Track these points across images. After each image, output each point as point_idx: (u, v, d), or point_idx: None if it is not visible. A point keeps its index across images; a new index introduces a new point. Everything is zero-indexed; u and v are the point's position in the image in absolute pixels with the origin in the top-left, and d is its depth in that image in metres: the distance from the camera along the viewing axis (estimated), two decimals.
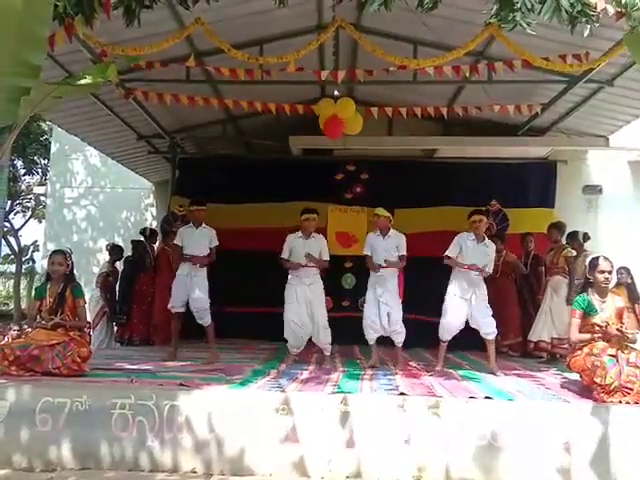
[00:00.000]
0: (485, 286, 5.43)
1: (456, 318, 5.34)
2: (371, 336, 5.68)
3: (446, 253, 5.42)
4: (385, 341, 5.84)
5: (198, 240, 5.76)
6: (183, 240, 5.80)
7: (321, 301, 5.70)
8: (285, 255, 5.66)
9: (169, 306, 5.84)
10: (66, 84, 4.14)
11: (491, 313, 5.40)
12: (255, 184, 8.26)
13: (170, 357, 5.71)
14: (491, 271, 5.45)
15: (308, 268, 5.61)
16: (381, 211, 5.68)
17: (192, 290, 5.68)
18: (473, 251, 5.37)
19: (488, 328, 5.35)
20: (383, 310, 5.57)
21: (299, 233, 5.71)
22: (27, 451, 3.79)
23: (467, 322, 5.41)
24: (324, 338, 5.66)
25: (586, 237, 6.43)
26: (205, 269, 5.80)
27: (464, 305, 5.32)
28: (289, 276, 5.70)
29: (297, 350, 5.72)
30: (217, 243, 5.83)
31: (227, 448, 3.75)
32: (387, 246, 5.61)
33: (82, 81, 4.09)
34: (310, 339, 5.70)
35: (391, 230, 5.70)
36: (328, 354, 5.76)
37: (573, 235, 6.47)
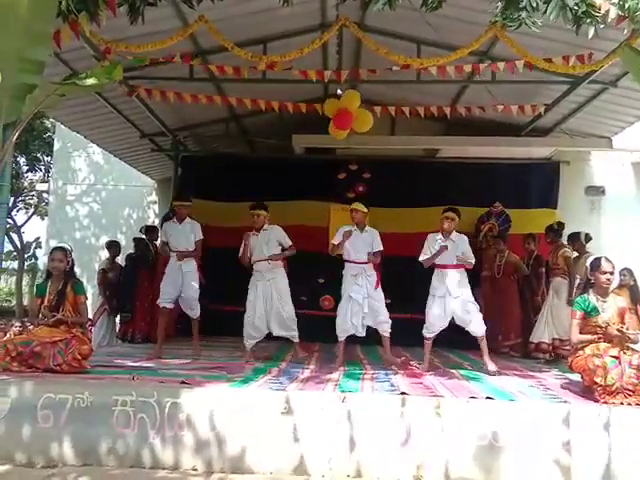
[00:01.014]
0: (467, 283, 5.41)
1: (437, 318, 5.34)
2: (342, 334, 5.61)
3: (419, 259, 5.44)
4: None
5: (182, 235, 5.82)
6: (167, 235, 5.88)
7: (285, 293, 5.72)
8: (247, 256, 5.72)
9: (157, 301, 5.87)
10: (73, 84, 4.15)
11: (477, 309, 5.37)
12: (257, 183, 8.25)
13: (155, 355, 5.67)
14: (472, 261, 5.41)
15: (265, 263, 5.64)
16: (360, 206, 5.67)
17: (184, 284, 5.76)
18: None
19: (474, 325, 5.32)
20: (360, 307, 5.49)
21: (253, 230, 5.75)
22: (28, 447, 3.80)
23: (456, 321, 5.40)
24: (286, 328, 5.67)
25: (588, 238, 6.42)
26: (194, 262, 5.85)
27: (445, 304, 5.32)
28: (253, 270, 5.75)
29: (252, 343, 5.72)
30: (201, 236, 5.87)
31: (228, 446, 3.76)
32: (366, 241, 5.60)
33: (89, 82, 4.11)
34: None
35: (367, 226, 5.69)
36: (297, 341, 5.78)
37: (575, 236, 6.47)
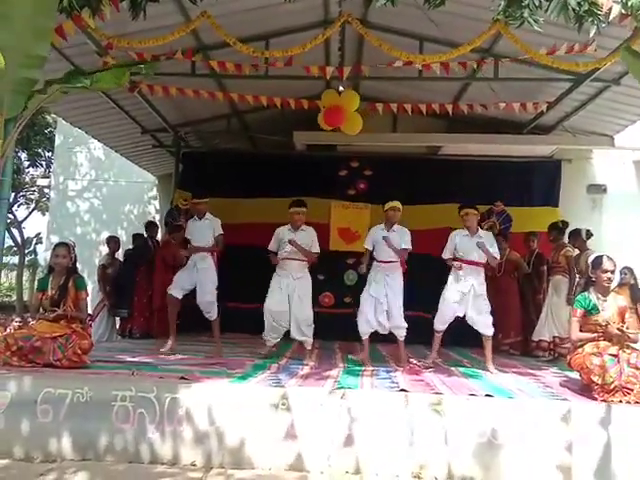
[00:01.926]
0: (484, 283, 5.43)
1: (450, 307, 5.35)
2: (364, 330, 5.57)
3: (442, 255, 5.46)
4: (386, 337, 5.81)
5: (201, 231, 5.81)
6: (189, 233, 5.91)
7: (307, 296, 5.64)
8: (273, 248, 5.66)
9: (167, 289, 5.83)
10: (83, 88, 4.16)
11: (489, 310, 5.39)
12: (258, 179, 8.26)
13: (170, 349, 5.68)
14: (498, 257, 5.41)
15: (296, 261, 5.59)
16: (398, 204, 5.61)
17: (198, 283, 5.70)
18: (468, 246, 5.37)
19: (485, 326, 5.34)
20: (381, 306, 5.47)
21: (288, 226, 5.69)
22: (27, 442, 3.81)
23: (467, 319, 5.41)
24: (303, 334, 5.61)
25: (589, 234, 6.41)
26: (210, 260, 5.80)
27: (460, 297, 5.33)
28: (277, 268, 5.68)
29: (273, 341, 5.68)
30: (221, 232, 5.83)
31: (227, 442, 3.76)
32: (394, 240, 5.53)
33: (97, 86, 4.12)
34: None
35: (395, 225, 5.64)
36: (309, 348, 5.73)
37: (576, 233, 6.45)
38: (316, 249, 5.69)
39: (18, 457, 3.77)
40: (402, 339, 5.58)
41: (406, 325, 5.54)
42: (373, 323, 5.52)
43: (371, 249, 5.64)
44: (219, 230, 5.82)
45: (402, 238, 5.54)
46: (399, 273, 5.60)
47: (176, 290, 5.78)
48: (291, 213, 5.68)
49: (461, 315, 5.40)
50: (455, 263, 5.41)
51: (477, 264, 5.36)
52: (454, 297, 5.35)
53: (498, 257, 5.44)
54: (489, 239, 5.43)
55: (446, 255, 5.49)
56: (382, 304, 5.47)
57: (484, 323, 5.34)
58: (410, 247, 5.56)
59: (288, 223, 5.73)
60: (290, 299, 5.57)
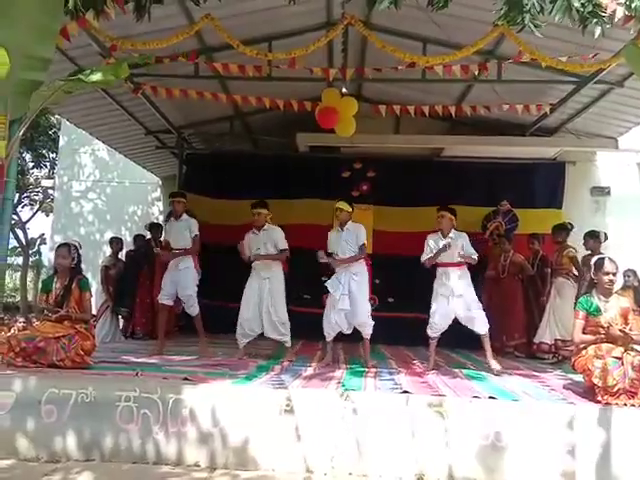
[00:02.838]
0: (470, 282, 5.41)
1: (442, 317, 5.34)
2: (328, 332, 5.55)
3: (421, 259, 5.44)
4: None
5: (178, 231, 5.82)
6: (167, 234, 5.92)
7: (279, 295, 5.68)
8: (246, 253, 5.70)
9: (157, 298, 5.88)
10: (78, 80, 4.16)
11: (480, 307, 5.37)
12: (261, 181, 8.26)
13: (157, 352, 5.69)
14: (475, 257, 5.37)
15: (265, 262, 5.64)
16: (344, 205, 5.56)
17: (179, 280, 5.76)
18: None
19: (477, 323, 5.32)
20: (346, 303, 5.43)
21: (253, 229, 5.74)
22: (32, 442, 3.82)
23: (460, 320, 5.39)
24: (280, 333, 5.64)
25: (606, 237, 6.37)
26: (190, 259, 5.82)
27: (449, 303, 5.32)
28: (252, 269, 5.73)
29: (244, 342, 5.71)
30: (197, 233, 5.82)
31: (231, 442, 3.77)
32: (346, 239, 5.52)
33: (94, 78, 4.12)
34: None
35: (348, 223, 5.59)
36: (289, 345, 5.75)
37: (594, 234, 6.33)
38: (282, 246, 5.69)
39: (23, 457, 3.78)
40: (368, 337, 5.55)
41: (372, 323, 5.51)
42: (334, 324, 5.48)
43: (330, 251, 5.60)
44: (195, 231, 5.82)
45: (358, 235, 5.52)
46: (363, 269, 5.57)
47: (165, 297, 5.83)
48: (252, 214, 5.73)
49: (452, 317, 5.37)
50: (426, 263, 5.41)
51: (452, 265, 5.34)
52: (444, 307, 5.33)
53: (475, 256, 5.37)
54: (461, 239, 5.40)
55: (423, 258, 5.44)
56: (351, 299, 5.41)
57: (476, 320, 5.31)
58: (365, 241, 5.53)
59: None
60: (262, 301, 5.63)
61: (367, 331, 5.55)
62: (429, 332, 5.43)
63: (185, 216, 5.88)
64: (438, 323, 5.36)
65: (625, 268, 6.07)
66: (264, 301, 5.63)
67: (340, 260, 5.45)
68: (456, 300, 5.30)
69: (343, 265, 5.51)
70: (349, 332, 5.61)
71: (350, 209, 5.59)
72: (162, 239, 6.08)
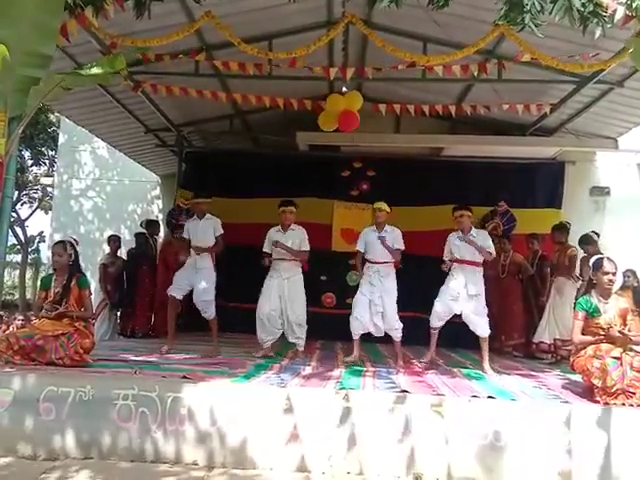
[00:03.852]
0: (481, 284, 5.44)
1: (445, 304, 5.38)
2: (356, 331, 5.56)
3: (443, 258, 5.50)
4: (384, 337, 5.78)
5: (202, 231, 5.80)
6: (189, 233, 5.87)
7: (299, 296, 5.67)
8: (267, 249, 5.68)
9: (167, 290, 5.84)
10: (75, 74, 4.16)
11: (486, 312, 5.41)
12: (261, 179, 8.26)
13: (168, 347, 5.69)
14: (492, 252, 5.44)
15: (286, 261, 5.62)
16: (384, 205, 5.63)
17: (197, 282, 5.69)
18: (463, 247, 5.41)
19: (481, 327, 5.37)
20: (376, 307, 5.47)
21: (278, 227, 5.72)
22: (31, 440, 3.82)
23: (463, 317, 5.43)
24: (295, 334, 5.64)
25: (598, 235, 6.37)
26: (210, 260, 5.81)
27: (455, 295, 5.36)
28: (270, 269, 5.72)
29: (268, 342, 5.69)
30: (222, 232, 5.82)
31: (229, 441, 3.77)
32: (388, 241, 5.53)
33: (91, 72, 4.11)
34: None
35: (387, 225, 5.64)
36: (301, 349, 5.75)
37: (589, 240, 6.33)
38: (306, 247, 5.71)
39: (21, 455, 3.78)
40: (398, 340, 5.58)
41: (401, 325, 5.54)
42: (366, 324, 5.51)
43: (363, 251, 5.63)
44: (219, 230, 5.82)
45: (395, 239, 5.56)
46: (393, 274, 5.60)
47: (176, 290, 5.78)
48: (280, 213, 5.72)
49: (458, 312, 5.42)
50: (446, 263, 5.47)
51: (471, 263, 5.39)
52: (449, 294, 5.39)
53: (493, 252, 5.45)
54: (482, 237, 5.46)
55: (446, 257, 5.52)
56: (377, 305, 5.47)
57: (480, 324, 5.37)
58: (403, 247, 5.58)
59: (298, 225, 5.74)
60: (282, 300, 5.61)
61: (397, 334, 5.54)
62: (431, 320, 5.48)
63: (209, 215, 5.87)
64: (439, 311, 5.40)
65: (625, 268, 6.07)
66: (283, 301, 5.61)
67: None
68: (467, 298, 5.34)
69: (375, 267, 5.52)
70: (379, 334, 5.60)
71: (389, 210, 5.63)
72: (183, 236, 6.03)
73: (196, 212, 5.98)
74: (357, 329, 5.54)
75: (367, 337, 5.78)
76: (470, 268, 5.40)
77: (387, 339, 5.87)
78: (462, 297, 5.35)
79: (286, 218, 5.70)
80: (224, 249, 5.88)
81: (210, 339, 5.91)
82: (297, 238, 5.70)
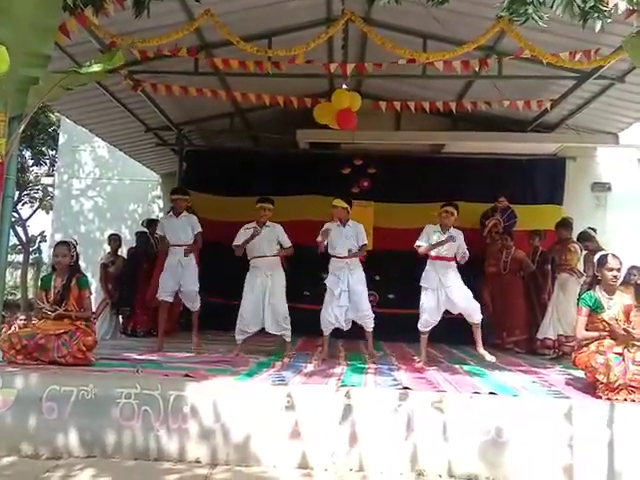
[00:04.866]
0: (458, 272, 5.44)
1: (432, 311, 5.38)
2: (327, 327, 5.63)
3: (416, 243, 5.48)
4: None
5: (179, 228, 5.81)
6: (164, 230, 5.88)
7: (281, 292, 5.69)
8: (237, 242, 5.63)
9: (157, 294, 5.87)
10: (74, 72, 4.16)
11: (471, 295, 5.41)
12: (262, 177, 8.25)
13: (157, 348, 5.70)
14: (467, 257, 5.44)
15: (267, 258, 5.65)
16: (339, 202, 5.66)
17: (183, 275, 5.78)
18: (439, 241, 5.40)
19: (470, 311, 5.37)
20: (345, 299, 5.54)
21: (253, 223, 5.71)
22: (33, 439, 3.83)
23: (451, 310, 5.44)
24: (282, 328, 5.65)
25: (595, 230, 6.37)
26: (193, 256, 5.86)
27: (438, 296, 5.36)
28: (250, 266, 5.73)
29: (241, 339, 5.69)
30: (200, 229, 5.85)
31: (232, 439, 3.77)
32: (347, 234, 5.62)
33: (91, 69, 4.11)
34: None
35: (350, 220, 5.70)
36: (289, 340, 5.76)
37: (588, 236, 6.32)
38: (287, 243, 5.71)
39: (24, 454, 3.79)
40: (370, 329, 5.67)
41: (373, 315, 5.63)
42: (337, 320, 5.58)
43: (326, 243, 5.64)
44: (198, 228, 5.84)
45: (359, 234, 5.64)
46: (360, 265, 5.69)
47: (165, 294, 5.83)
48: (257, 209, 5.71)
49: (443, 311, 5.41)
50: (420, 250, 5.44)
51: (444, 259, 5.40)
52: (433, 302, 5.37)
53: (466, 256, 5.44)
54: (460, 237, 5.45)
55: (418, 244, 5.46)
56: (346, 299, 5.53)
57: (469, 309, 5.36)
58: (366, 242, 5.69)
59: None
60: (264, 296, 5.62)
61: (369, 324, 5.65)
62: (419, 327, 5.47)
63: (185, 213, 5.88)
64: (428, 319, 5.41)
65: (630, 265, 6.03)
66: (266, 297, 5.63)
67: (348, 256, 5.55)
68: (446, 291, 5.35)
69: (341, 262, 5.56)
70: (347, 328, 5.70)
71: (346, 206, 5.65)
72: (157, 235, 6.06)
73: (175, 208, 5.93)
74: (327, 325, 5.62)
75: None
76: (445, 264, 5.40)
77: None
78: (444, 293, 5.34)
79: (262, 215, 5.70)
80: (203, 246, 5.94)
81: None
82: (273, 235, 5.69)
